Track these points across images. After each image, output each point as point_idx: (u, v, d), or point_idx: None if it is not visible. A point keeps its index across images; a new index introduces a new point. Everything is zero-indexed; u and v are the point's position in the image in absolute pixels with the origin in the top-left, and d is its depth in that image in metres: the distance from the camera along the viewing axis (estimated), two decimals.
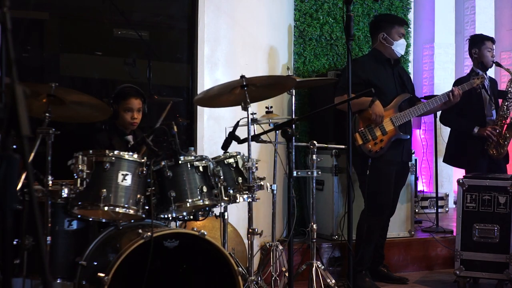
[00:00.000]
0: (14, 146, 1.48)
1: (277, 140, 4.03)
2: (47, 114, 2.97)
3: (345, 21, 3.56)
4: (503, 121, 4.92)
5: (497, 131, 4.84)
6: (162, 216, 3.15)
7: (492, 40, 5.09)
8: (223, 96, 3.38)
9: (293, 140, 3.65)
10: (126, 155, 2.99)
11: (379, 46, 4.44)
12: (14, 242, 2.83)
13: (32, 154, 2.75)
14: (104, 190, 2.89)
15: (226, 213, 3.48)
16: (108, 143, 3.58)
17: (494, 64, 5.04)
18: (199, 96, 3.64)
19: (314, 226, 3.91)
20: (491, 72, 5.24)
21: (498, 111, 4.96)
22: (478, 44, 5.04)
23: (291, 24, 5.30)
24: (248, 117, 3.26)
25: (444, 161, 5.29)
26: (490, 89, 5.03)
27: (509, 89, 4.91)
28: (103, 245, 3.02)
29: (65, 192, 2.87)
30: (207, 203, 3.12)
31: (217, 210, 3.45)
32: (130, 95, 3.65)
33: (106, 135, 3.66)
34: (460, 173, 5.50)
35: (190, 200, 3.07)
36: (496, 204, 4.21)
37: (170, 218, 3.22)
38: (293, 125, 3.26)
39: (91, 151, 2.97)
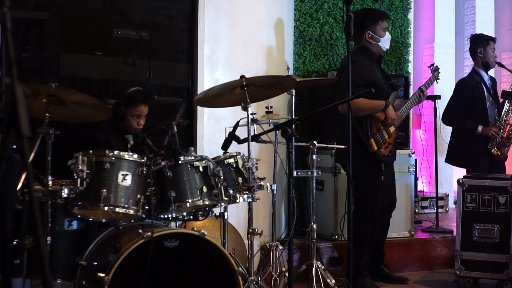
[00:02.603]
0: (14, 146, 1.48)
1: (277, 140, 4.03)
2: (47, 114, 2.96)
3: (345, 21, 3.56)
4: (507, 121, 4.93)
5: (501, 131, 4.86)
6: (162, 216, 3.15)
7: (495, 40, 5.10)
8: (223, 96, 3.38)
9: (293, 140, 3.65)
10: (126, 155, 2.99)
11: (366, 44, 4.38)
12: (14, 242, 2.83)
13: (32, 154, 2.75)
14: (104, 190, 2.89)
15: (226, 213, 3.49)
16: (105, 139, 3.56)
17: (497, 65, 5.05)
18: (199, 96, 3.64)
19: (314, 226, 3.91)
20: (490, 72, 5.24)
21: (501, 111, 4.96)
22: (483, 44, 5.04)
23: (291, 24, 5.30)
24: (248, 117, 3.26)
25: (446, 161, 5.30)
26: (491, 88, 5.04)
27: None
28: (103, 245, 3.02)
29: (65, 192, 2.87)
30: (207, 203, 3.12)
31: (217, 210, 3.45)
32: (140, 102, 3.63)
33: (103, 132, 3.65)
34: (460, 173, 5.50)
35: (190, 200, 3.07)
36: (496, 204, 4.21)
37: (170, 218, 3.22)
38: (293, 125, 3.25)
39: (91, 151, 2.97)
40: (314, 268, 3.85)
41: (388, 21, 4.49)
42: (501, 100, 5.07)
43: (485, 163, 4.95)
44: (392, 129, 4.30)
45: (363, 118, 4.13)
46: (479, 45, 5.06)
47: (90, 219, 3.07)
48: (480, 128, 4.89)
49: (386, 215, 4.50)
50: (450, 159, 5.25)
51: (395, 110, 4.33)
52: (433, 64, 4.72)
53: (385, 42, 4.36)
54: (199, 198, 3.09)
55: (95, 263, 2.94)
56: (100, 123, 3.86)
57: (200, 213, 3.31)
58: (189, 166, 3.10)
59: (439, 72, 4.66)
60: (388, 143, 4.26)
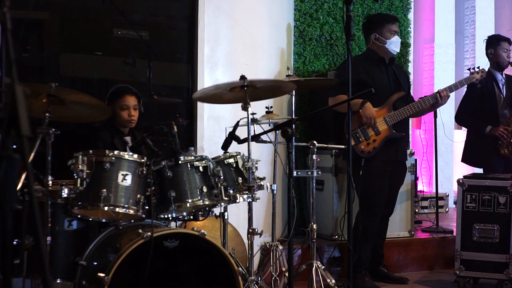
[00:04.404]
0: (14, 146, 1.48)
1: (277, 140, 4.03)
2: (47, 114, 2.96)
3: (345, 21, 3.56)
4: None
5: (508, 131, 4.86)
6: (162, 216, 3.15)
7: (508, 41, 5.11)
8: (223, 93, 3.38)
9: (293, 140, 3.65)
10: (126, 155, 2.99)
11: (372, 46, 4.44)
12: (14, 242, 2.83)
13: (32, 154, 2.75)
14: (104, 190, 2.89)
15: (226, 213, 3.49)
16: (111, 142, 3.59)
17: (509, 65, 5.06)
18: (198, 94, 3.63)
19: (314, 226, 3.90)
20: None
21: (511, 110, 4.98)
22: (494, 45, 5.07)
23: (291, 24, 5.30)
24: (248, 117, 3.26)
25: (462, 160, 5.35)
26: (506, 88, 5.05)
27: None
28: (103, 245, 3.02)
29: (65, 192, 2.87)
30: (207, 203, 3.12)
31: (217, 210, 3.45)
32: (124, 92, 3.69)
33: (109, 133, 3.67)
34: (460, 173, 5.51)
35: (190, 200, 3.07)
36: (496, 204, 4.21)
37: (170, 218, 3.22)
38: (293, 125, 3.25)
39: (91, 151, 2.97)
40: (314, 268, 3.85)
41: (397, 24, 4.51)
42: None
43: (498, 163, 4.97)
44: (382, 127, 4.29)
45: (345, 114, 4.13)
46: (490, 46, 5.10)
47: (90, 219, 3.07)
48: (488, 128, 4.92)
49: (383, 219, 4.50)
50: (465, 159, 5.32)
51: (395, 109, 4.34)
52: (477, 67, 4.71)
53: (392, 45, 4.37)
54: (199, 198, 3.09)
55: (95, 263, 2.94)
56: (98, 124, 3.87)
57: (200, 213, 3.31)
58: (189, 166, 3.10)
59: (482, 76, 4.60)
60: (372, 140, 4.27)
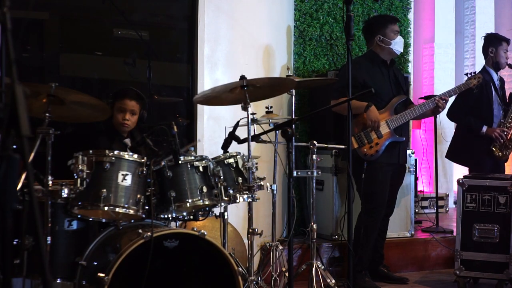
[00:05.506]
0: (14, 146, 1.48)
1: (277, 140, 4.03)
2: (47, 114, 2.96)
3: (345, 21, 3.56)
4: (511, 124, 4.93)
5: (505, 133, 4.86)
6: (162, 216, 3.15)
7: (508, 41, 5.10)
8: (222, 94, 3.38)
9: (293, 140, 3.65)
10: (126, 155, 2.99)
11: (376, 48, 4.44)
12: (14, 242, 2.83)
13: (32, 154, 2.75)
14: (104, 190, 2.89)
15: (226, 213, 3.48)
16: (109, 147, 3.57)
17: (507, 66, 5.06)
18: (198, 97, 3.63)
19: (314, 226, 3.91)
20: None
21: (507, 112, 4.97)
22: (495, 43, 5.05)
23: (291, 24, 5.30)
24: (248, 117, 3.25)
25: (446, 156, 5.31)
26: (500, 89, 5.05)
27: None
28: (103, 245, 3.02)
29: (65, 192, 2.87)
30: (207, 203, 3.12)
31: (217, 210, 3.45)
32: (125, 96, 3.61)
33: (107, 138, 3.65)
34: (460, 173, 5.51)
35: (190, 200, 3.07)
36: (496, 204, 4.21)
37: (170, 218, 3.22)
38: (293, 125, 3.25)
39: (91, 151, 2.97)
40: (314, 268, 3.85)
41: (399, 24, 4.52)
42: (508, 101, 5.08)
43: (487, 163, 4.96)
44: (385, 130, 4.30)
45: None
46: (491, 44, 5.07)
47: (90, 219, 3.07)
48: (484, 128, 4.91)
49: (383, 219, 4.50)
50: (451, 156, 5.27)
51: (396, 113, 4.34)
52: (474, 73, 4.69)
53: (397, 45, 4.39)
54: (199, 198, 3.09)
55: (95, 263, 2.94)
56: (99, 124, 3.86)
57: (200, 213, 3.31)
58: (189, 166, 3.10)
59: (479, 81, 4.56)
60: (375, 143, 4.27)
